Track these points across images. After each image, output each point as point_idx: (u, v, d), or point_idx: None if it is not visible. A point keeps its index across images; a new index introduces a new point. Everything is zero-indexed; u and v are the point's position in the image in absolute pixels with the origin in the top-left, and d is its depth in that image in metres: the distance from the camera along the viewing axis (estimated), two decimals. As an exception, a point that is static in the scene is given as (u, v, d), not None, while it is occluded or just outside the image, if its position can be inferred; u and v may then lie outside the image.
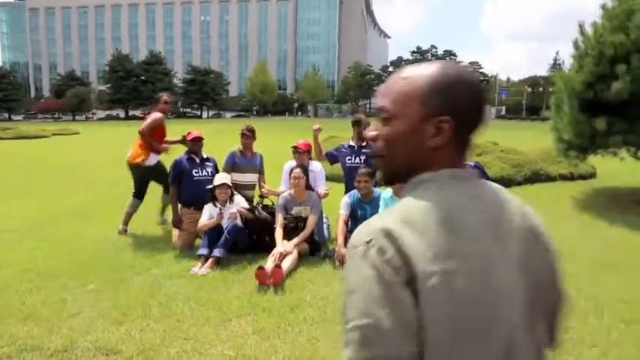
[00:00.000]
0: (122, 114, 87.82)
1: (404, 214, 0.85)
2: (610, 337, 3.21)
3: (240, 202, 5.27)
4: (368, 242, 0.81)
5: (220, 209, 5.12)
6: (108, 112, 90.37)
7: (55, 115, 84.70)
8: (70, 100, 79.07)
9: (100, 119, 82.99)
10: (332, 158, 5.95)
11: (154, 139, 6.03)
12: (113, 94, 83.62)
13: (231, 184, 5.22)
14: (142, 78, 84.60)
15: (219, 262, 4.76)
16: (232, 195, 5.29)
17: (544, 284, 0.95)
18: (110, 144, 24.40)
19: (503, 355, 0.83)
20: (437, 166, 0.91)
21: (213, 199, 5.20)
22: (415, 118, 0.90)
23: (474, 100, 0.92)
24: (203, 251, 4.81)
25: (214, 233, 4.95)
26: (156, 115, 6.15)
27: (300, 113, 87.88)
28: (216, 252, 4.78)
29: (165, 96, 6.40)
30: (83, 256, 5.15)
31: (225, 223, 5.05)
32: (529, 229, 0.96)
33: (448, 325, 0.78)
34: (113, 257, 5.09)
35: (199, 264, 4.71)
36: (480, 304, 0.81)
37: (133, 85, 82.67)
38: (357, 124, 5.73)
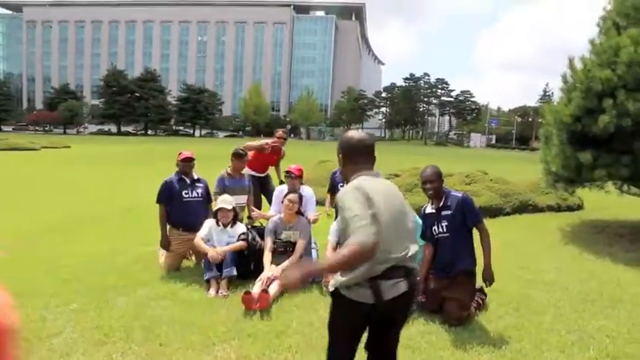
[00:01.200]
0: (114, 129, 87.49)
1: (357, 183, 2.29)
2: (594, 373, 3.20)
3: (240, 229, 5.23)
4: (354, 187, 2.26)
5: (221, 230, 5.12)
6: (100, 127, 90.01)
7: (47, 128, 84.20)
8: (62, 113, 78.79)
9: (92, 134, 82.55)
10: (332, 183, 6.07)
11: None
12: (106, 109, 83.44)
13: (230, 207, 5.15)
14: (136, 94, 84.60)
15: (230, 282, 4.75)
16: (237, 218, 5.27)
17: (403, 214, 2.38)
18: (100, 160, 24.28)
19: (398, 229, 2.28)
20: (359, 172, 2.40)
21: (216, 218, 5.17)
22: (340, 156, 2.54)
23: (359, 145, 2.47)
24: (211, 274, 4.72)
25: None
26: None
27: (292, 135, 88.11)
28: (230, 271, 4.74)
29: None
30: (66, 274, 5.07)
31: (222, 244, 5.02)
32: (398, 194, 2.44)
33: (385, 216, 2.19)
34: (97, 276, 5.01)
35: (212, 287, 4.64)
36: (392, 209, 2.28)
37: (127, 101, 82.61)
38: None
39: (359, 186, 2.24)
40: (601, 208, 10.80)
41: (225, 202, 5.17)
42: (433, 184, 4.24)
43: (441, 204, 4.26)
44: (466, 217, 4.19)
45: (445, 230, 4.24)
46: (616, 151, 6.94)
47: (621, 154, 6.86)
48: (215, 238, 5.08)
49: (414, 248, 2.34)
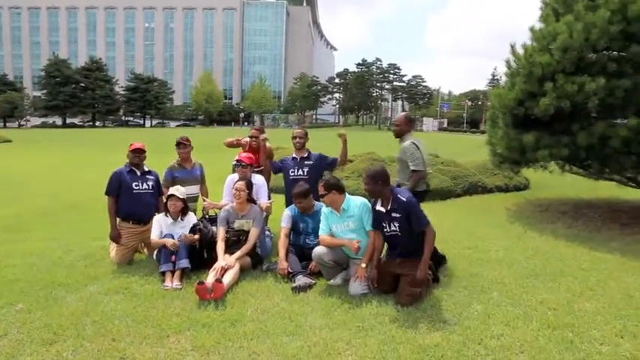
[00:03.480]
0: (59, 121, 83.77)
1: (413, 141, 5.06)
2: (537, 343, 3.38)
3: (191, 220, 5.18)
4: (412, 143, 5.05)
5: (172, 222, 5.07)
6: (43, 120, 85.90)
7: (-16, 122, 79.63)
8: (1, 105, 74.60)
9: (35, 126, 78.75)
10: (275, 168, 6.05)
11: None
12: (49, 100, 79.72)
13: (182, 197, 5.10)
14: (82, 84, 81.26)
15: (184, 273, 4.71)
16: (186, 208, 5.21)
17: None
18: (45, 153, 23.27)
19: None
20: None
21: (166, 210, 5.11)
22: None
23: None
24: (167, 267, 4.66)
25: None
26: None
27: (246, 123, 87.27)
28: (183, 263, 4.69)
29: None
30: (11, 274, 4.87)
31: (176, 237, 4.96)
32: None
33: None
34: (45, 274, 4.84)
35: (167, 280, 4.57)
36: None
37: (72, 92, 79.27)
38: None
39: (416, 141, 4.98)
40: (545, 187, 11.34)
41: (177, 190, 5.13)
42: (368, 186, 4.40)
43: (389, 206, 4.36)
44: (412, 223, 4.30)
45: (398, 230, 4.37)
46: (557, 133, 7.28)
47: (562, 135, 7.20)
48: (166, 232, 5.01)
49: None
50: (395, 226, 4.38)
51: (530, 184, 11.76)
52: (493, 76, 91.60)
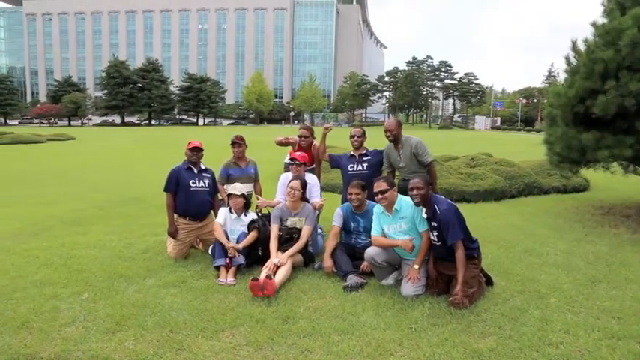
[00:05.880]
0: (118, 120, 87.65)
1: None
2: (600, 354, 3.23)
3: (250, 219, 5.32)
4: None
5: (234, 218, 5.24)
6: (104, 119, 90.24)
7: (51, 121, 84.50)
8: (66, 105, 79.00)
9: (96, 125, 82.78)
10: (334, 161, 6.03)
11: None
12: (109, 100, 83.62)
13: (239, 193, 5.22)
14: (139, 85, 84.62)
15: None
16: (248, 205, 5.38)
17: None
18: (106, 150, 24.39)
19: None
20: None
21: (229, 206, 5.28)
22: None
23: None
24: (220, 262, 4.81)
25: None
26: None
27: (296, 122, 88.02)
28: (239, 259, 4.84)
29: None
30: (76, 264, 5.15)
31: (237, 234, 5.13)
32: None
33: None
34: (107, 266, 5.09)
35: (222, 275, 4.71)
36: None
37: (130, 92, 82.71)
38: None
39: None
40: (607, 189, 10.80)
41: (234, 188, 5.26)
42: (422, 191, 4.23)
43: (431, 214, 4.27)
44: (444, 232, 4.16)
45: (437, 240, 4.29)
46: (620, 132, 6.92)
47: (625, 135, 6.84)
48: (229, 227, 5.18)
49: None
50: (434, 236, 4.30)
51: (589, 186, 11.22)
52: (549, 72, 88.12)
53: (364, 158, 5.78)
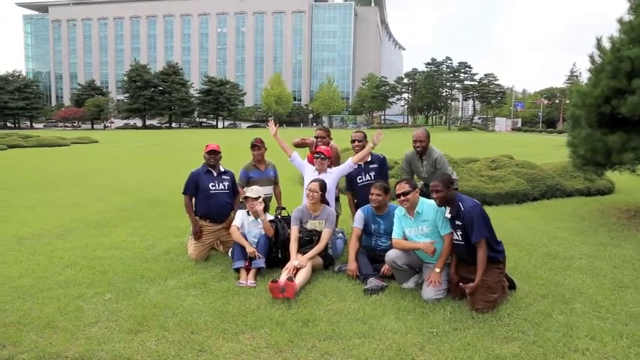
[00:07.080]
0: (139, 123, 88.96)
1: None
2: None
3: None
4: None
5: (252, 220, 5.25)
6: (125, 122, 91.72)
7: (75, 124, 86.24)
8: (89, 109, 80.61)
9: (118, 128, 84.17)
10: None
11: None
12: (131, 103, 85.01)
13: (255, 196, 5.19)
14: (160, 88, 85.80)
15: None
16: (267, 208, 5.38)
17: None
18: (127, 153, 24.75)
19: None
20: None
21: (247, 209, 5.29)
22: None
23: None
24: (240, 264, 4.83)
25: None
26: None
27: (315, 124, 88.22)
28: (259, 262, 4.85)
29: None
30: (99, 265, 5.23)
31: (254, 236, 5.15)
32: None
33: None
34: (129, 267, 5.16)
35: (242, 277, 4.72)
36: None
37: (151, 95, 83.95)
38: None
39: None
40: (633, 192, 10.56)
41: (251, 191, 5.25)
42: (442, 192, 4.16)
43: (455, 213, 4.20)
44: (467, 231, 4.08)
45: (460, 239, 4.21)
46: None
47: (653, 136, 6.68)
48: (246, 229, 5.19)
49: None
50: (458, 235, 4.22)
51: (614, 188, 10.97)
52: (572, 72, 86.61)
53: (370, 166, 5.75)
